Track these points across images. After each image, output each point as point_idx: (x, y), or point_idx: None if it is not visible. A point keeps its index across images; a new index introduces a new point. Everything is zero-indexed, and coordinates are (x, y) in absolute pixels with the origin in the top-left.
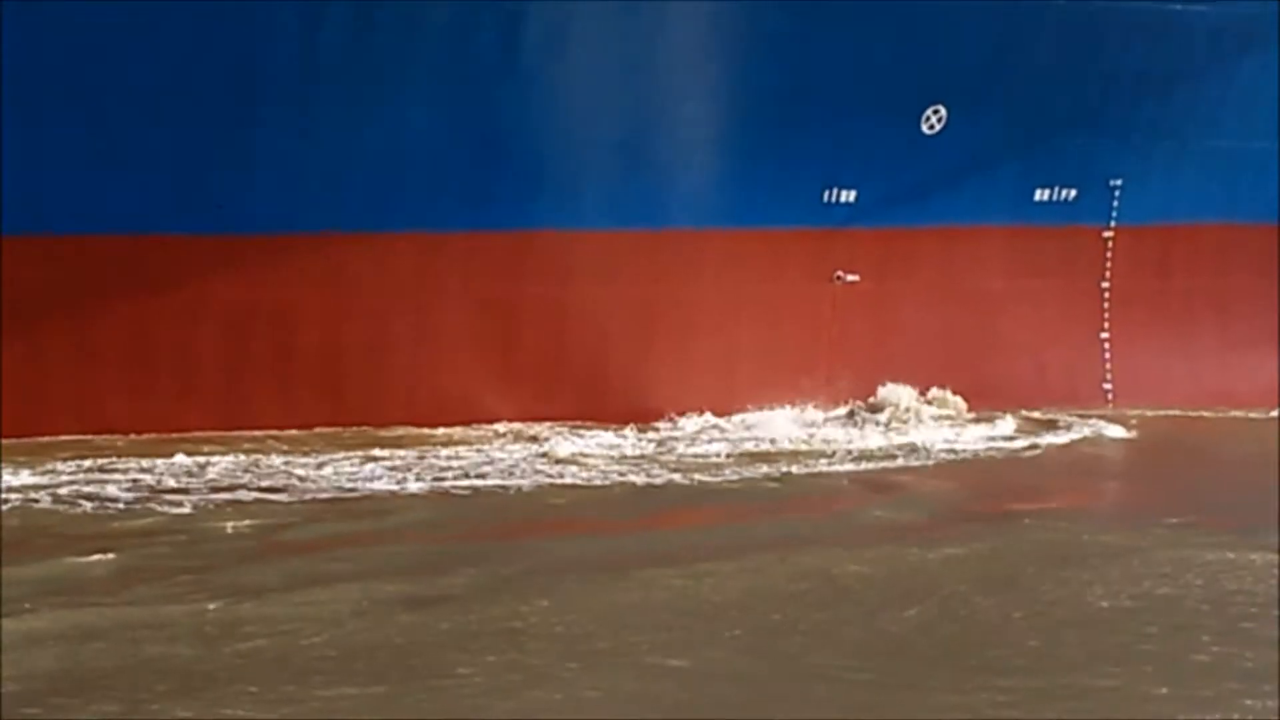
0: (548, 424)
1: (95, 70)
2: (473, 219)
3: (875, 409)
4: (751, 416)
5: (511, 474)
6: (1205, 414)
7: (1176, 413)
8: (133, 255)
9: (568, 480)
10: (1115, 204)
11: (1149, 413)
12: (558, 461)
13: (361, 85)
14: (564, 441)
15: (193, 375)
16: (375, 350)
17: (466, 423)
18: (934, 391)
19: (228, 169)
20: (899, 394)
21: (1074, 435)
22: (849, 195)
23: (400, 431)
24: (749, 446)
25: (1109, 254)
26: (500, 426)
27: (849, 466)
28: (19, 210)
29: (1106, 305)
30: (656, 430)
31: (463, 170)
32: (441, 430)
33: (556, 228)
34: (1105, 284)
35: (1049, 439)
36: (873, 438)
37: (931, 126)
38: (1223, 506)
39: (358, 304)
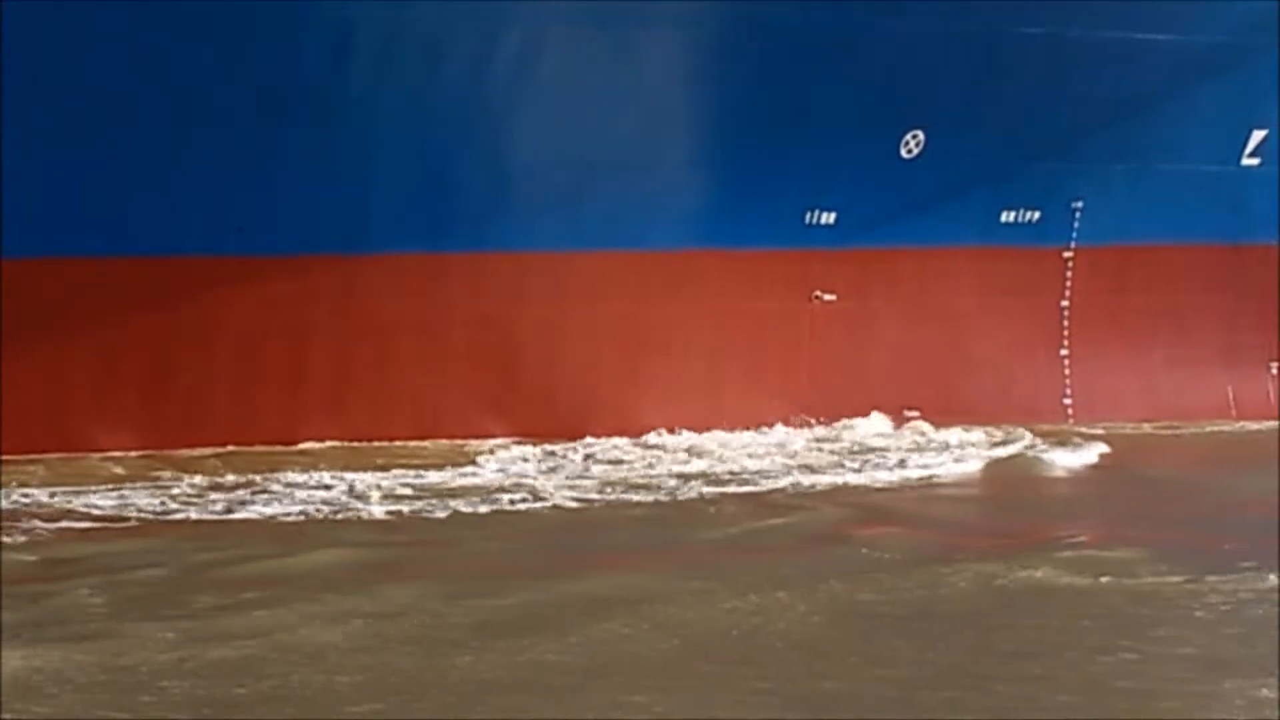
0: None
1: (115, 91)
2: (476, 240)
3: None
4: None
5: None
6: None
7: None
8: (154, 276)
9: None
10: (1076, 225)
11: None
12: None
13: (378, 110)
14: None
15: (207, 393)
16: (382, 368)
17: (466, 438)
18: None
19: (249, 191)
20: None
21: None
22: (829, 217)
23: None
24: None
25: (1069, 273)
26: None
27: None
28: (36, 232)
29: (1066, 323)
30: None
31: (468, 193)
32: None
33: (552, 249)
34: (1065, 303)
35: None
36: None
37: (910, 151)
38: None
39: (367, 322)
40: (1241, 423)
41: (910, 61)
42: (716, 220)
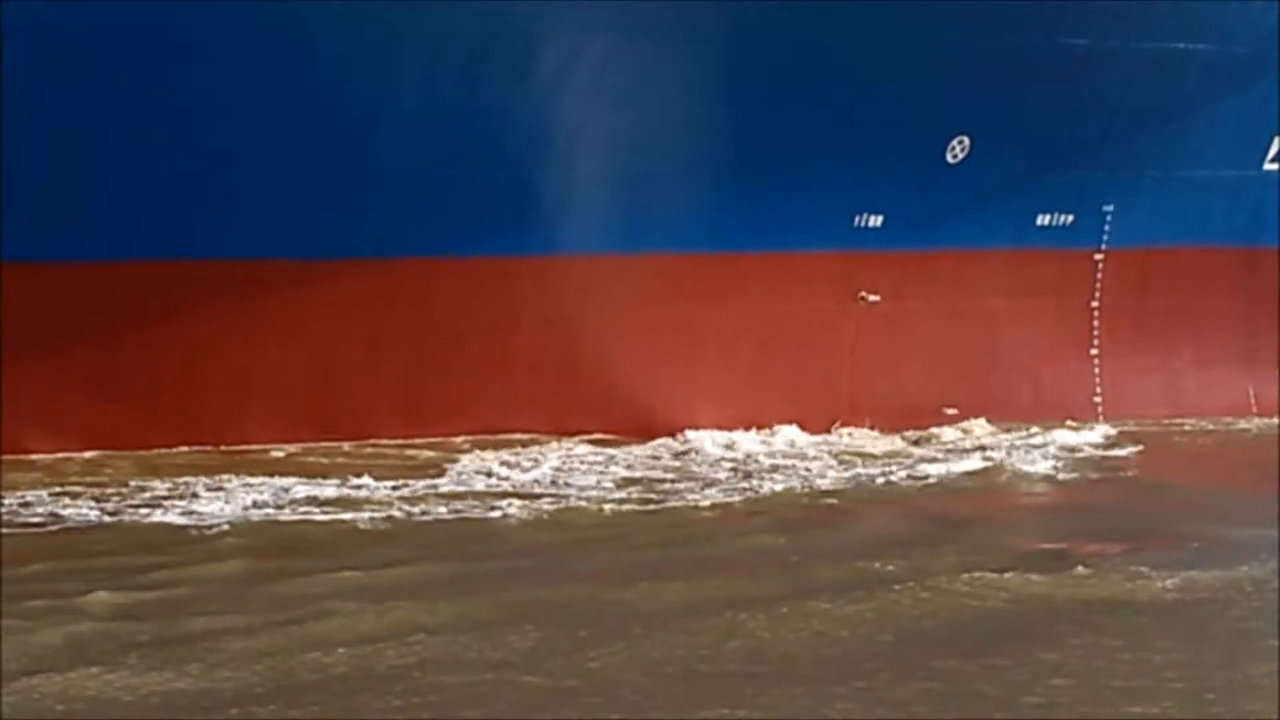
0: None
1: (202, 96)
2: (546, 244)
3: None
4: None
5: None
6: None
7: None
8: (236, 279)
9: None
10: (1106, 229)
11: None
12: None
13: (455, 118)
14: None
15: (285, 394)
16: (451, 369)
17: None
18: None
19: (335, 197)
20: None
21: None
22: (877, 220)
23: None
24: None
25: (1099, 275)
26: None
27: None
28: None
29: (1096, 324)
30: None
31: (538, 199)
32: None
33: (615, 252)
34: (1095, 304)
35: None
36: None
37: (955, 156)
38: None
39: (438, 325)
40: (1265, 419)
41: (958, 69)
42: (770, 224)
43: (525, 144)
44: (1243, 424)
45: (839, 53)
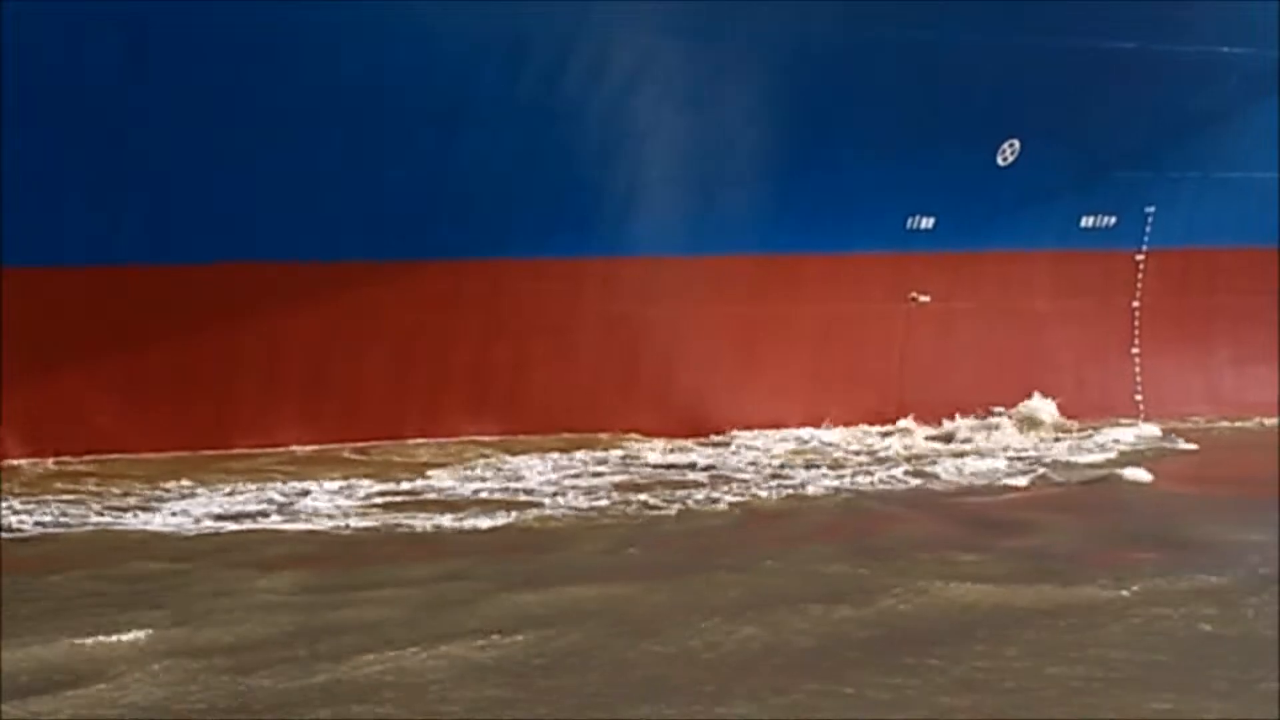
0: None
1: (297, 103)
2: (611, 246)
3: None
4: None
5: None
6: None
7: None
8: (307, 280)
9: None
10: (1148, 230)
11: None
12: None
13: (526, 122)
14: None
15: (361, 390)
16: (521, 366)
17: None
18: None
19: (409, 199)
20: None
21: None
22: (929, 222)
23: None
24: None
25: (1140, 276)
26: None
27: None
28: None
29: (1137, 323)
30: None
31: (603, 203)
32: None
33: (677, 254)
34: (1136, 303)
35: None
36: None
37: (1005, 159)
38: None
39: (508, 324)
40: None
41: (1011, 73)
42: (826, 226)
43: (591, 148)
44: None
45: (893, 58)
